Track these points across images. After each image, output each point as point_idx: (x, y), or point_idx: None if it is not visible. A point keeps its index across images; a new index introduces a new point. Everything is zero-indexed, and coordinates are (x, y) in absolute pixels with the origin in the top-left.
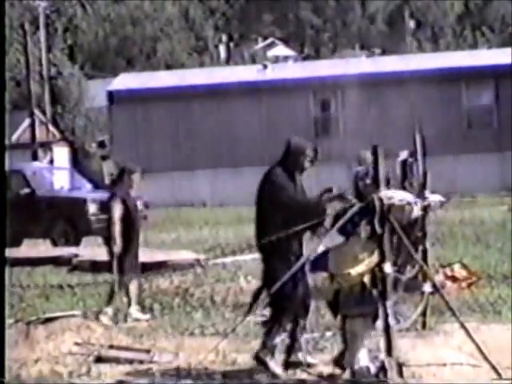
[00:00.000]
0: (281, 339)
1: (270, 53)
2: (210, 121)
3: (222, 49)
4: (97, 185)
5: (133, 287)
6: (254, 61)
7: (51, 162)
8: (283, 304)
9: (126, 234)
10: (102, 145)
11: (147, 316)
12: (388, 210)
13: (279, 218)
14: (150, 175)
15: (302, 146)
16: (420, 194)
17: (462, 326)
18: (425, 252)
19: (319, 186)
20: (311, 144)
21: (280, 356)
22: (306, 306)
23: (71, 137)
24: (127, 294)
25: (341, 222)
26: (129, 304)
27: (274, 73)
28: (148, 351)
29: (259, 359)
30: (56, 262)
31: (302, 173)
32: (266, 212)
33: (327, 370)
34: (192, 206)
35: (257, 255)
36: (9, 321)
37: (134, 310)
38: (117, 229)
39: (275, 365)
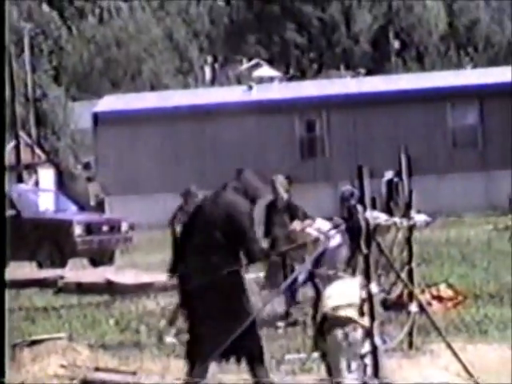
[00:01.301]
0: None
1: (256, 73)
2: (196, 142)
3: (207, 70)
4: (82, 207)
5: None
6: (239, 82)
7: (36, 183)
8: None
9: None
10: (87, 166)
11: None
12: (374, 230)
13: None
14: (136, 197)
15: (252, 184)
16: (405, 214)
17: (449, 345)
18: (411, 272)
19: (304, 205)
20: (264, 179)
21: None
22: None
23: (56, 159)
24: None
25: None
26: None
27: (259, 94)
28: (134, 373)
29: None
30: (42, 284)
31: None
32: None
33: None
34: None
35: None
36: None
37: None
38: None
39: None
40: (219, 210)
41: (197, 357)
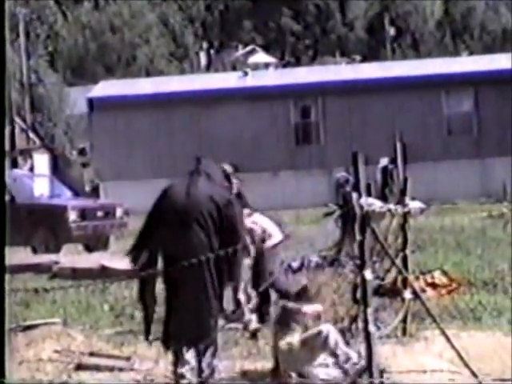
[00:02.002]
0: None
1: (251, 60)
2: (190, 127)
3: (203, 56)
4: (77, 192)
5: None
6: (234, 68)
7: (31, 169)
8: None
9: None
10: (82, 152)
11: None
12: (368, 217)
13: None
14: (131, 182)
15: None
16: (400, 201)
17: (443, 332)
18: (405, 259)
19: (299, 193)
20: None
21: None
22: None
23: (51, 144)
24: None
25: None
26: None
27: (254, 80)
28: (128, 358)
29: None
30: (36, 269)
31: None
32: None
33: None
34: None
35: None
36: None
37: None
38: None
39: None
40: (202, 199)
41: (169, 341)
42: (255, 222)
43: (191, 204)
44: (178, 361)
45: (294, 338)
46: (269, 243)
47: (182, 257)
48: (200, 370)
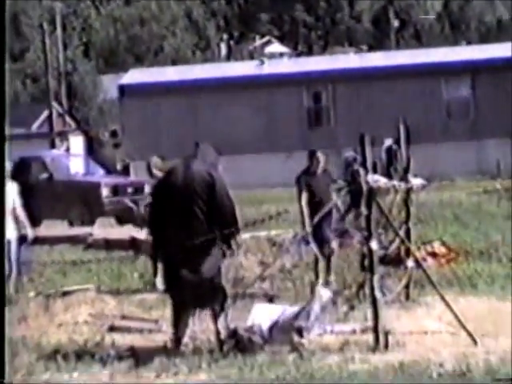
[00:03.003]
0: None
1: (267, 50)
2: (213, 112)
3: (223, 46)
4: (109, 170)
5: None
6: (252, 57)
7: (67, 149)
8: None
9: None
10: (114, 134)
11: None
12: (374, 192)
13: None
14: None
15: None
16: (403, 178)
17: (442, 297)
18: (408, 231)
19: None
20: (216, 151)
21: None
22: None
23: (86, 127)
24: None
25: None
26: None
27: (270, 68)
28: (156, 321)
29: None
30: (72, 240)
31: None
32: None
33: None
34: None
35: (255, 233)
36: (30, 294)
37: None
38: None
39: None
40: (196, 177)
41: (180, 307)
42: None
43: (187, 181)
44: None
45: None
46: None
47: (183, 226)
48: (217, 332)
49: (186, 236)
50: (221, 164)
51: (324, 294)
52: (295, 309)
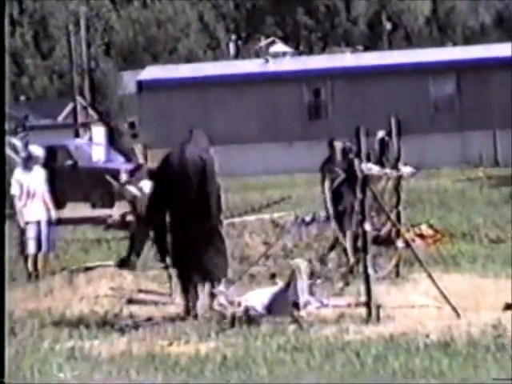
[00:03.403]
0: None
1: (271, 49)
2: (222, 105)
3: (232, 46)
4: (127, 158)
5: None
6: (258, 56)
7: (90, 139)
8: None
9: None
10: (132, 125)
11: None
12: (368, 179)
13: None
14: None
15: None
16: (394, 166)
17: (429, 275)
18: (398, 214)
19: (311, 160)
20: (208, 138)
21: None
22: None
23: (107, 118)
24: None
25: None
26: None
27: (274, 66)
28: (170, 294)
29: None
30: (94, 221)
31: None
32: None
33: None
34: None
35: (260, 216)
36: (56, 269)
37: None
38: None
39: None
40: (189, 163)
41: (186, 279)
42: (141, 187)
43: (182, 164)
44: (195, 296)
45: None
46: None
47: (181, 204)
48: (211, 303)
49: (184, 215)
50: (213, 150)
51: (301, 265)
52: (282, 285)
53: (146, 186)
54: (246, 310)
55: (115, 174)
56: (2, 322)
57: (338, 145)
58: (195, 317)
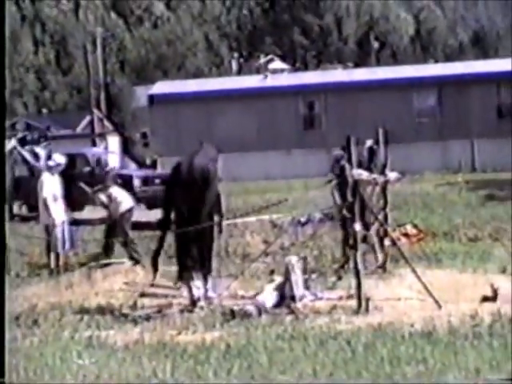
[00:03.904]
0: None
1: (270, 66)
2: (225, 116)
3: (234, 63)
4: (140, 165)
5: None
6: (258, 72)
7: (106, 147)
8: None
9: None
10: (144, 135)
11: None
12: (358, 184)
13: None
14: (180, 157)
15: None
16: (382, 172)
17: (413, 270)
18: (385, 215)
19: (307, 166)
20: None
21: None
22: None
23: (121, 129)
24: None
25: None
26: None
27: (272, 81)
28: (178, 288)
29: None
30: None
31: None
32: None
33: None
34: None
35: (260, 217)
36: (75, 266)
37: None
38: None
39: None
40: (196, 171)
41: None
42: (110, 193)
43: (190, 173)
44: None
45: None
46: (121, 209)
47: (187, 209)
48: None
49: (190, 215)
50: (220, 159)
51: (294, 261)
52: (280, 280)
53: (116, 192)
54: (256, 306)
55: (128, 179)
56: (3, 322)
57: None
58: (201, 308)
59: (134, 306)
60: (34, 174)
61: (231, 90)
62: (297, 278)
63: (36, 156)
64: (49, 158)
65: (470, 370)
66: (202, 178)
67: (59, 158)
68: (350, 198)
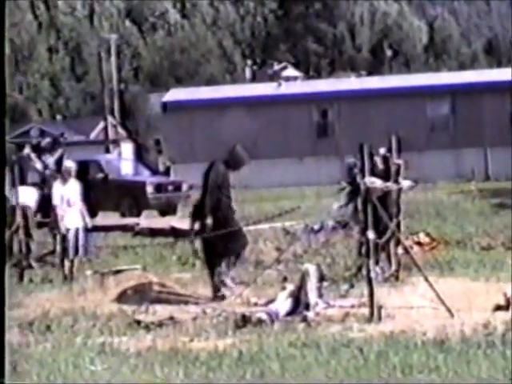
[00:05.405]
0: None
1: (284, 74)
2: (238, 124)
3: (248, 71)
4: (153, 172)
5: None
6: (271, 79)
7: (119, 154)
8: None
9: None
10: (157, 142)
11: None
12: (371, 192)
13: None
14: (193, 164)
15: (241, 155)
16: (395, 180)
17: (425, 278)
18: (398, 223)
19: (319, 174)
20: (247, 155)
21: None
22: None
23: (135, 136)
24: None
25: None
26: None
27: (286, 89)
28: (190, 295)
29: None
30: (123, 228)
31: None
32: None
33: None
34: None
35: (273, 224)
36: (88, 272)
37: None
38: None
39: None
40: (212, 175)
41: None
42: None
43: (209, 178)
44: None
45: None
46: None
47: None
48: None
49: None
50: (247, 165)
51: (311, 269)
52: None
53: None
54: (269, 313)
55: (142, 186)
56: (3, 323)
57: (351, 163)
58: (222, 297)
59: (146, 313)
60: (45, 181)
61: (245, 97)
62: (312, 285)
63: (44, 164)
64: (60, 163)
65: (482, 379)
66: (216, 186)
67: (69, 164)
68: (360, 205)
